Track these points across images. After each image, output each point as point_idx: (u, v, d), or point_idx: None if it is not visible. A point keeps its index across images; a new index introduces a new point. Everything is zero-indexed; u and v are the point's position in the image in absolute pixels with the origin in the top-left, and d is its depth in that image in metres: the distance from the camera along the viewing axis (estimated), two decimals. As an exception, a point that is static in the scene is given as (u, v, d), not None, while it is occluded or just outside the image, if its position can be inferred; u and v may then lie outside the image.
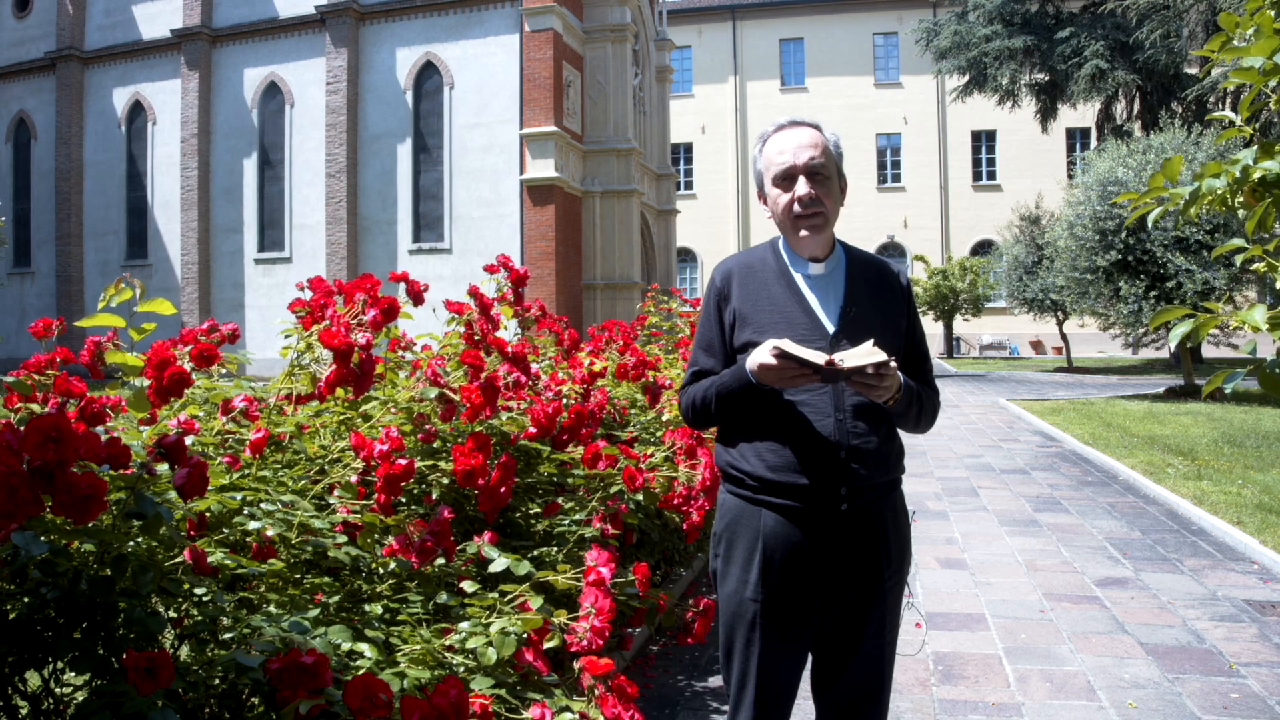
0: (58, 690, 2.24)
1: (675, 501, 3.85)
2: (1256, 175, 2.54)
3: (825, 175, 2.51)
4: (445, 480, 3.17)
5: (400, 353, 3.99)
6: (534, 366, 4.28)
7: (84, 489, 1.76)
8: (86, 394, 2.58)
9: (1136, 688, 4.55)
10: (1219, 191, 2.63)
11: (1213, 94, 28.45)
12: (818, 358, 2.25)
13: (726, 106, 48.69)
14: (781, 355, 2.28)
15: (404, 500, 3.12)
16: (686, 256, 47.59)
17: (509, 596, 2.65)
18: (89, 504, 1.77)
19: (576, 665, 2.51)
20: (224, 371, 3.07)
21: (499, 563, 2.81)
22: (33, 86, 33.84)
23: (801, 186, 2.49)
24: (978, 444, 13.52)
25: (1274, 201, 2.54)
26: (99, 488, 1.77)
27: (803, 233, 2.52)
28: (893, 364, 2.29)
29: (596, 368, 5.00)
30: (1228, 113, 3.00)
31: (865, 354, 2.27)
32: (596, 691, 2.42)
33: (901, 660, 4.22)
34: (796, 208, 2.50)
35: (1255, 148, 2.57)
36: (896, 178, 47.05)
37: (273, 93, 30.41)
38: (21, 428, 1.75)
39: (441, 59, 28.22)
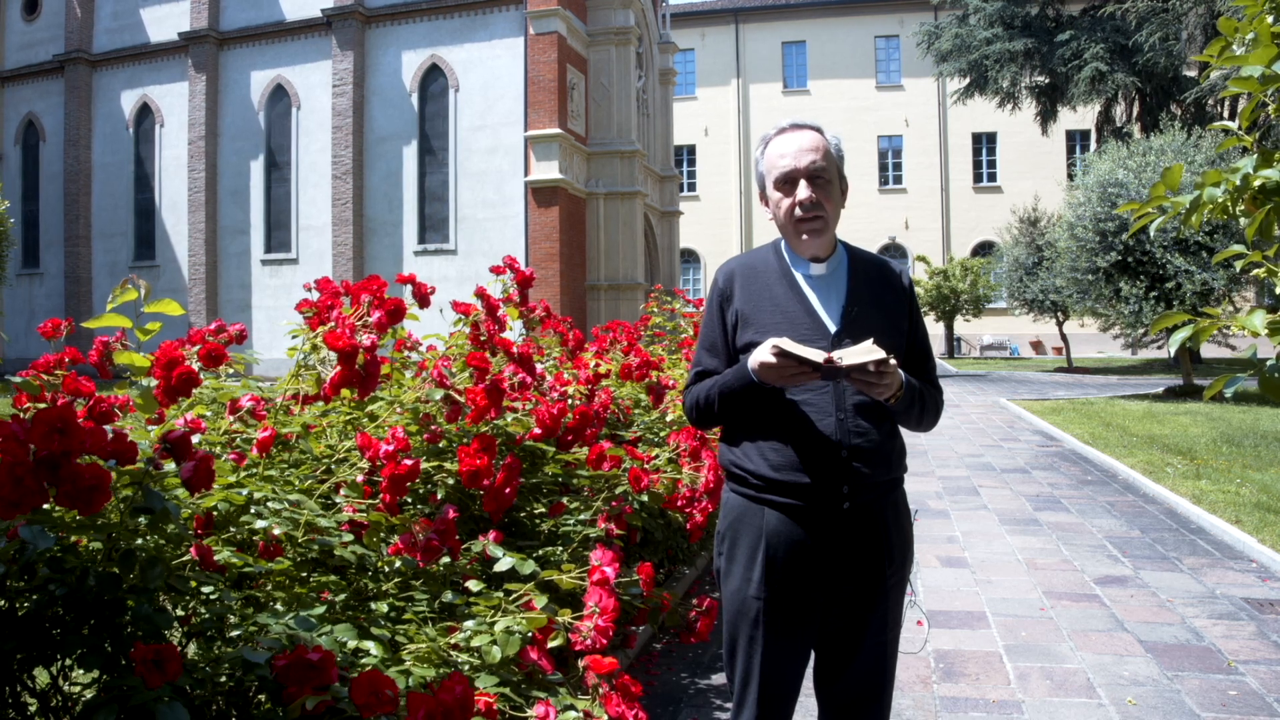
0: (66, 688, 2.26)
1: (679, 503, 3.87)
2: (1257, 183, 2.56)
3: (826, 179, 2.53)
4: (451, 480, 3.19)
5: (406, 353, 4.02)
6: (539, 367, 4.31)
7: (88, 479, 1.78)
8: (95, 394, 2.60)
9: (1136, 685, 4.57)
10: (1219, 200, 2.65)
11: (1211, 96, 28.48)
12: (817, 355, 2.27)
13: (729, 109, 48.70)
14: (781, 354, 2.30)
15: (409, 500, 3.14)
16: (689, 257, 47.61)
17: (514, 595, 2.67)
18: (94, 494, 1.79)
19: (581, 664, 2.53)
20: (231, 371, 3.09)
21: (504, 562, 2.82)
22: (41, 89, 33.88)
23: (802, 190, 2.51)
24: (978, 443, 13.53)
25: (1274, 209, 2.56)
26: (103, 478, 1.79)
27: (804, 236, 2.54)
28: (892, 361, 2.30)
29: (601, 369, 5.02)
30: (1228, 122, 3.02)
31: (864, 352, 2.28)
32: (601, 690, 2.44)
33: (903, 658, 4.24)
34: (798, 211, 2.52)
35: (1255, 156, 2.59)
36: (898, 179, 47.05)
37: (279, 95, 30.45)
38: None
39: (447, 62, 28.25)
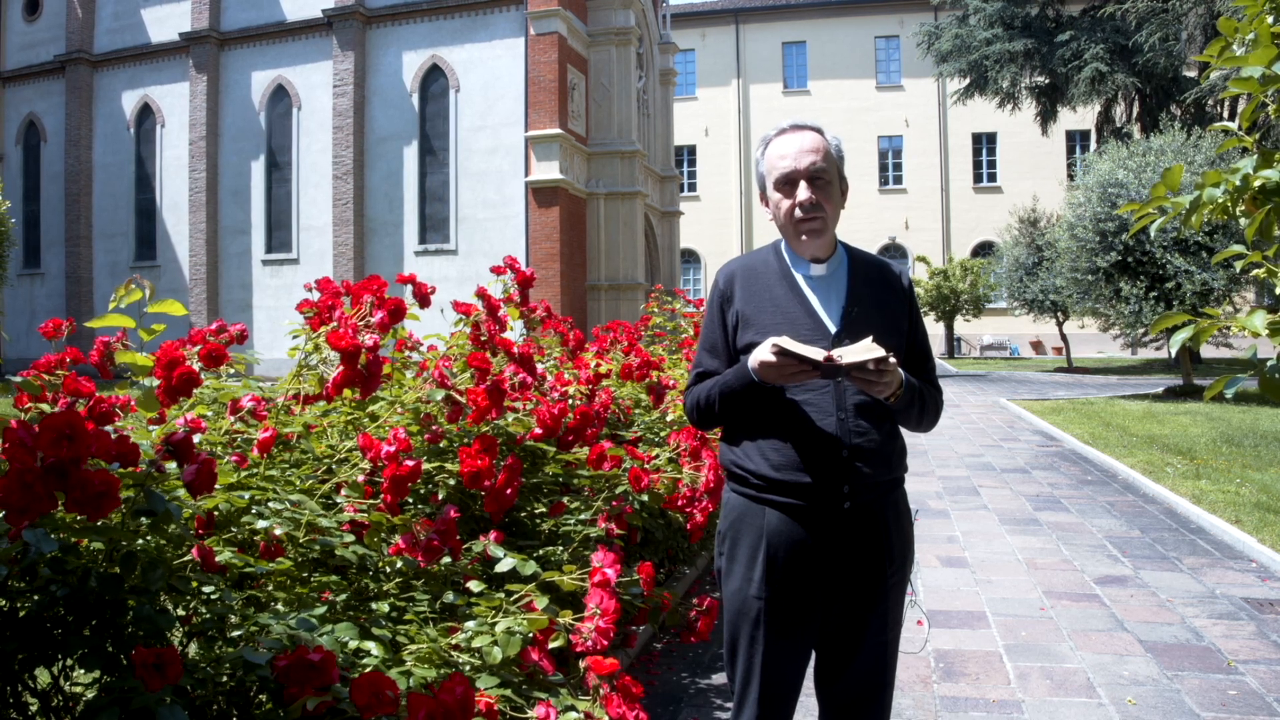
0: (67, 688, 2.27)
1: (679, 503, 3.87)
2: (1257, 184, 2.56)
3: (826, 180, 2.53)
4: (452, 481, 3.19)
5: (407, 353, 4.02)
6: (540, 367, 4.31)
7: (98, 486, 1.77)
8: (95, 394, 2.60)
9: (1136, 685, 4.58)
10: (1219, 200, 2.65)
11: (1211, 97, 28.48)
12: (816, 354, 2.27)
13: (729, 109, 48.72)
14: (781, 352, 2.30)
15: (411, 500, 3.14)
16: (690, 258, 47.64)
17: (515, 596, 2.68)
18: (102, 501, 1.78)
19: (582, 664, 2.53)
20: (232, 372, 3.09)
21: (505, 562, 2.83)
22: (42, 89, 33.89)
23: (803, 192, 2.51)
24: (978, 443, 13.53)
25: (1274, 209, 2.56)
26: (112, 485, 1.79)
27: (803, 237, 2.55)
28: (892, 359, 2.31)
29: (601, 369, 5.02)
30: (1228, 123, 3.03)
31: (864, 350, 2.29)
32: (602, 691, 2.44)
33: (903, 657, 4.24)
34: (798, 213, 2.52)
35: (1255, 156, 2.59)
36: (898, 179, 47.07)
37: (280, 95, 30.46)
38: (36, 426, 1.77)
39: (447, 62, 28.26)
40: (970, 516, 8.53)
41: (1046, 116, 35.10)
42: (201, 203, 30.78)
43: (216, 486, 2.26)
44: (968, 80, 34.70)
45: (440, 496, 3.20)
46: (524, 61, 27.22)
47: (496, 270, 4.46)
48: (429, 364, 3.68)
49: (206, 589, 2.22)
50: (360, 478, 2.85)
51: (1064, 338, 33.22)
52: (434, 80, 28.59)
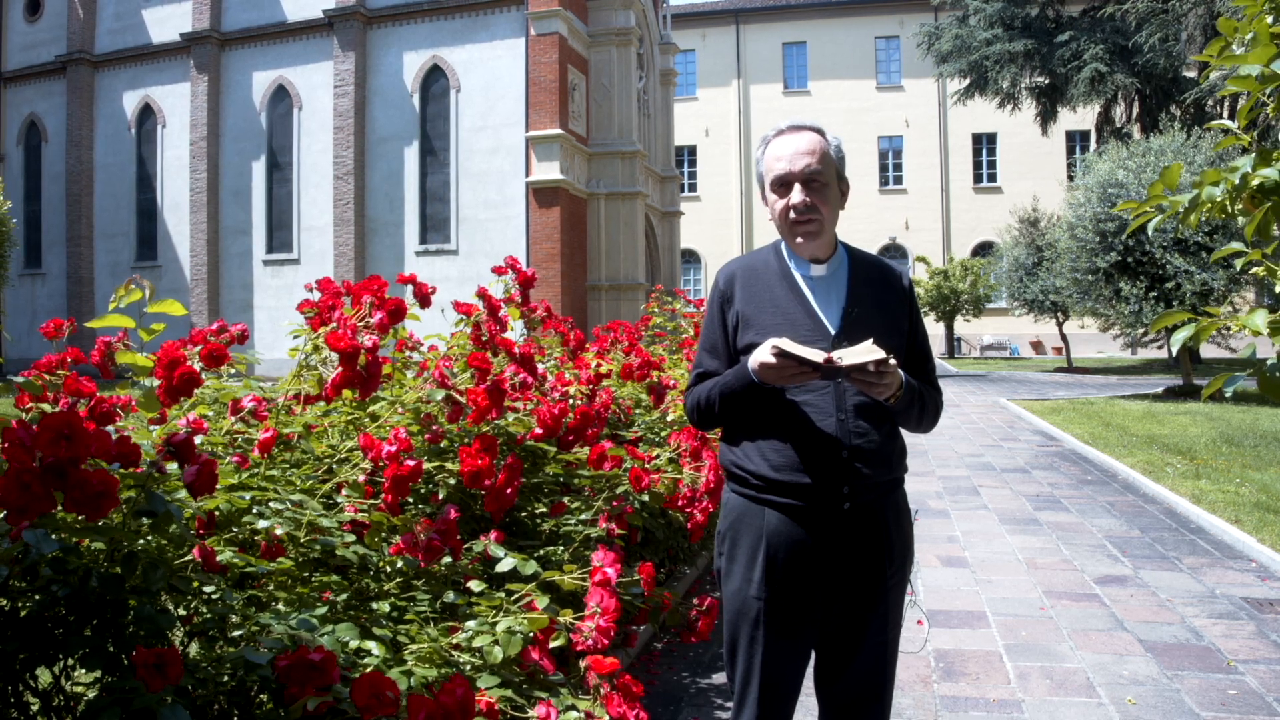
0: (68, 687, 2.27)
1: (680, 503, 3.87)
2: (1255, 182, 2.56)
3: (822, 182, 2.53)
4: (452, 480, 3.20)
5: (407, 353, 4.03)
6: (540, 367, 4.31)
7: (96, 486, 1.77)
8: (97, 394, 2.60)
9: (1136, 684, 4.58)
10: (1218, 199, 2.65)
11: (1211, 97, 28.49)
12: (816, 356, 2.27)
13: (730, 109, 48.73)
14: (781, 354, 2.30)
15: (411, 500, 3.15)
16: (690, 258, 47.66)
17: (515, 596, 2.68)
18: (101, 501, 1.78)
19: (582, 664, 2.53)
20: (233, 372, 3.10)
21: (506, 562, 2.83)
22: (43, 90, 33.90)
23: (796, 194, 2.51)
24: (978, 443, 13.53)
25: (1273, 207, 2.56)
26: (111, 485, 1.79)
27: (799, 239, 2.55)
28: (892, 361, 2.31)
29: (602, 369, 5.03)
30: (1226, 121, 3.02)
31: (864, 352, 2.29)
32: (602, 690, 2.44)
33: (903, 657, 4.25)
34: (791, 214, 2.53)
35: (1254, 155, 2.59)
36: (898, 180, 47.08)
37: (281, 96, 30.47)
38: (35, 426, 1.77)
39: (448, 62, 28.27)
40: (970, 516, 8.54)
41: (1046, 117, 35.12)
42: (202, 203, 30.80)
43: (218, 487, 2.26)
44: (968, 81, 34.71)
45: (441, 496, 3.20)
46: (524, 62, 27.23)
47: (497, 270, 4.47)
48: (429, 364, 3.68)
49: (207, 589, 2.22)
50: (361, 477, 2.85)
51: (1064, 338, 33.23)
52: (435, 80, 28.59)
